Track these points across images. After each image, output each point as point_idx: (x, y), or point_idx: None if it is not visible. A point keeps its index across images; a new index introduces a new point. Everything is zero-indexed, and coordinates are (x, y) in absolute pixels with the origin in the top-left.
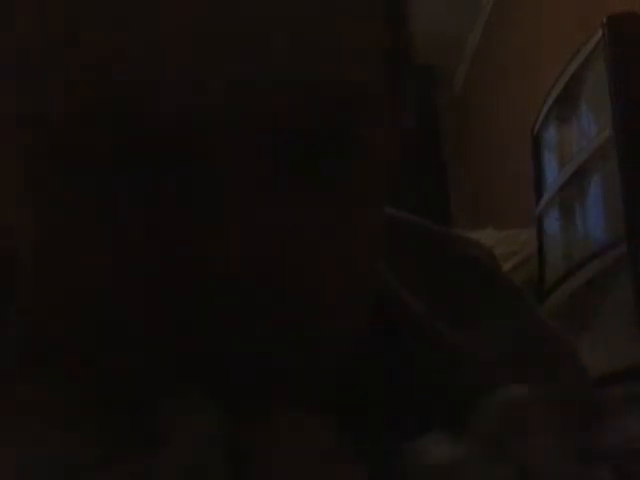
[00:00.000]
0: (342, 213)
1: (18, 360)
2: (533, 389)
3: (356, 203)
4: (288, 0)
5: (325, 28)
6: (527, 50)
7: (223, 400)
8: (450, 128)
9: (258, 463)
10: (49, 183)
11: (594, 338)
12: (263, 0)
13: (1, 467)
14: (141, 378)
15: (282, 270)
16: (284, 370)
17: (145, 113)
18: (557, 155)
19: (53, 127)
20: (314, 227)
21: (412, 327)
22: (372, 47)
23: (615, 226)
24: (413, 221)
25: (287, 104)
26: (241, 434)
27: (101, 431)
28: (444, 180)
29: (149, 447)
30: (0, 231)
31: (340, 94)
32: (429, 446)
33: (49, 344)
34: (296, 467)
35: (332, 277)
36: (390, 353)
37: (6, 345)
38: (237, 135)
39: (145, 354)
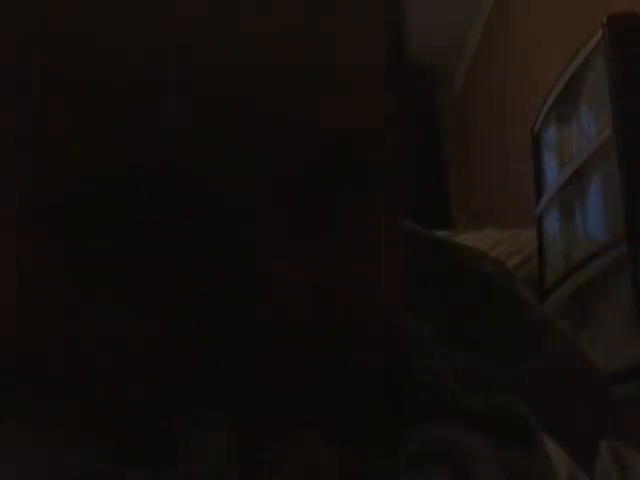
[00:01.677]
0: (367, 236)
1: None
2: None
3: (378, 225)
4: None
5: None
6: (527, 50)
7: (239, 417)
8: (450, 128)
9: (271, 478)
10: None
11: (594, 338)
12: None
13: None
14: (156, 394)
15: (320, 307)
16: (302, 390)
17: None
18: (557, 155)
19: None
20: (344, 257)
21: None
22: (377, 69)
23: (615, 226)
24: (422, 233)
25: (292, 136)
26: (256, 451)
27: (116, 447)
28: (444, 180)
29: (164, 463)
30: None
31: (347, 121)
32: None
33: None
34: None
35: (360, 302)
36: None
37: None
38: (249, 179)
39: (160, 370)
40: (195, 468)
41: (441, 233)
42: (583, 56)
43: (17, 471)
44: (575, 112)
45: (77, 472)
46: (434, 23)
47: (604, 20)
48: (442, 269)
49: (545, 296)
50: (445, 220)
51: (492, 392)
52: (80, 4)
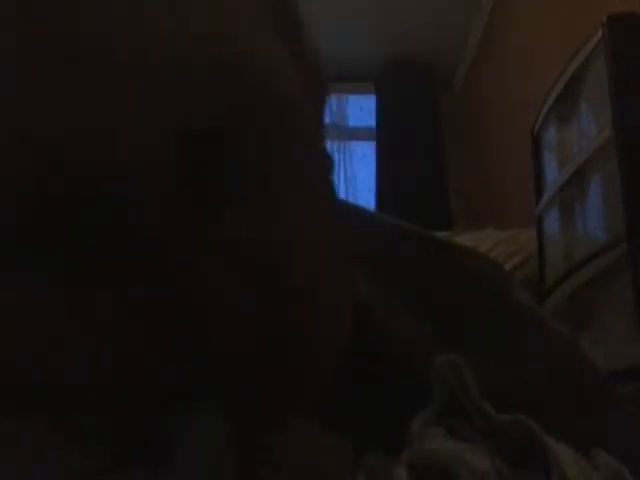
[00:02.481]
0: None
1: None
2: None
3: (293, 196)
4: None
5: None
6: (527, 50)
7: (239, 417)
8: (450, 128)
9: (270, 477)
10: None
11: (594, 338)
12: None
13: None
14: (155, 394)
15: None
16: (302, 390)
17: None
18: (557, 155)
19: None
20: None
21: (395, 350)
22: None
23: (615, 226)
24: (422, 233)
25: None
26: (256, 451)
27: (116, 447)
28: (444, 180)
29: (162, 460)
30: None
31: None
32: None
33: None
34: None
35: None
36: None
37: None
38: (151, 180)
39: (160, 370)
40: (195, 468)
41: (441, 233)
42: (583, 56)
43: (17, 471)
44: (575, 112)
45: (77, 472)
46: (434, 23)
47: (604, 20)
48: (442, 269)
49: (545, 296)
50: (445, 220)
51: (501, 406)
52: (80, 4)
